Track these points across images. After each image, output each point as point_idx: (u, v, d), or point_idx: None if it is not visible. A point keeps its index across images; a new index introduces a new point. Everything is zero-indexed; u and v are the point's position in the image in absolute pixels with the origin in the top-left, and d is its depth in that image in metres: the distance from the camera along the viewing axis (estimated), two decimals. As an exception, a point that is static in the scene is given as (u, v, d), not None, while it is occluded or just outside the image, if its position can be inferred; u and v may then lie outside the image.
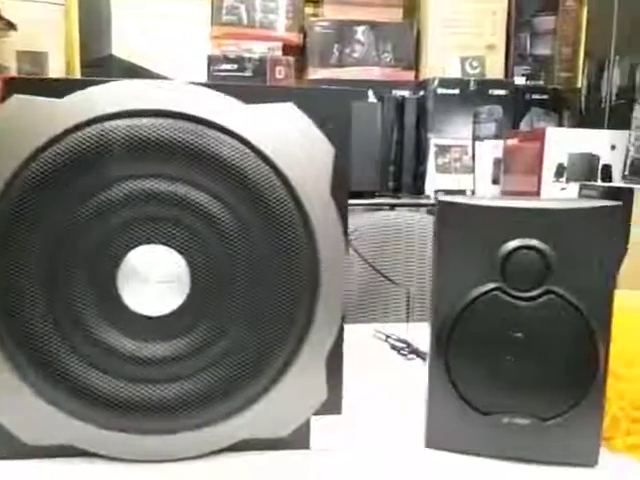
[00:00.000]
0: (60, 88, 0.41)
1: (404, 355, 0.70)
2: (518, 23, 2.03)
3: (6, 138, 0.41)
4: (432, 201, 1.94)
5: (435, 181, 2.00)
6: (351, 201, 1.71)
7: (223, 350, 0.42)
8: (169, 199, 0.41)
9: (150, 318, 0.42)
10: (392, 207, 1.92)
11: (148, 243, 0.42)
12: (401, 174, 2.09)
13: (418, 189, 2.04)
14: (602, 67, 1.80)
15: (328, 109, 0.43)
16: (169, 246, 0.42)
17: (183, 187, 0.41)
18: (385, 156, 2.03)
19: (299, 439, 0.46)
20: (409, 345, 0.70)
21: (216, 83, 0.41)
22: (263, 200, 0.41)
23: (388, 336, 0.74)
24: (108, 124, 0.40)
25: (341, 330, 0.45)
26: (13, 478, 0.42)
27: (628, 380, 0.47)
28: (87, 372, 0.42)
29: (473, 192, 2.03)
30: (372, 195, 1.91)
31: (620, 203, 0.41)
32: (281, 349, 0.43)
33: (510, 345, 0.43)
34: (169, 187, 0.41)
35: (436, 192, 1.99)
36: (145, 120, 0.40)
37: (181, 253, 0.42)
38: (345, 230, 0.44)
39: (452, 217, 0.44)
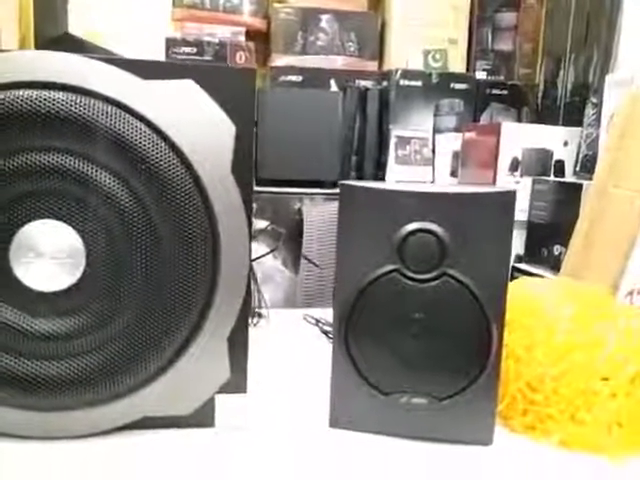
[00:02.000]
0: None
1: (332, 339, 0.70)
2: (480, 18, 2.05)
3: None
4: (391, 192, 1.95)
5: (395, 172, 2.02)
6: (311, 190, 1.72)
7: (116, 330, 0.42)
8: (67, 174, 0.41)
9: (44, 294, 0.41)
10: (352, 197, 1.93)
11: (43, 217, 0.41)
12: (363, 164, 2.10)
13: (380, 180, 2.05)
14: (559, 65, 1.83)
15: (230, 87, 0.43)
16: (64, 222, 0.41)
17: (80, 162, 0.41)
18: (348, 146, 2.04)
19: (203, 417, 0.46)
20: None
21: (112, 57, 0.41)
22: (160, 178, 0.41)
23: (318, 320, 0.75)
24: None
25: (244, 311, 0.45)
26: None
27: (527, 363, 0.49)
28: (-22, 348, 0.41)
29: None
30: (334, 185, 1.92)
31: (514, 189, 0.42)
32: (177, 331, 0.42)
33: (408, 326, 0.44)
34: (65, 161, 0.40)
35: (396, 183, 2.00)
36: (37, 92, 0.39)
37: (77, 230, 0.41)
38: (249, 211, 0.44)
39: (353, 201, 0.44)
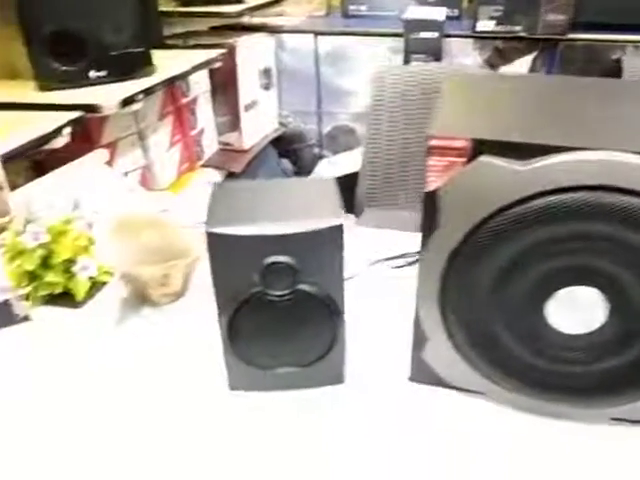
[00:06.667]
0: (524, 152, 0.47)
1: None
2: None
3: (470, 194, 0.50)
4: None
5: None
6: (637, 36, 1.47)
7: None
8: (599, 253, 0.49)
9: (572, 335, 0.54)
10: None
11: (575, 284, 0.51)
12: None
13: None
14: None
15: None
16: (593, 286, 0.51)
17: (610, 245, 0.48)
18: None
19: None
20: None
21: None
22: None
23: None
24: (555, 198, 0.47)
25: None
26: (431, 395, 0.63)
27: None
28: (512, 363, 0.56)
29: None
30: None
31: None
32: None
33: None
34: (599, 245, 0.48)
35: None
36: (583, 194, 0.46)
37: (602, 292, 0.51)
38: None
39: None
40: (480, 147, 0.49)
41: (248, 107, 1.81)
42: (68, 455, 0.56)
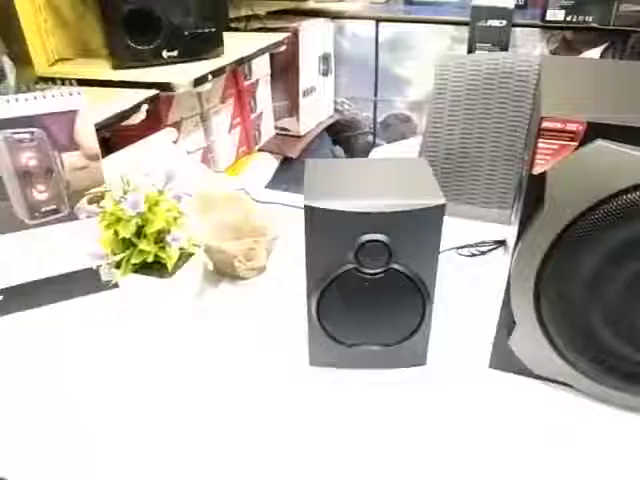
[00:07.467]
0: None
1: None
2: None
3: (581, 179, 0.49)
4: None
5: None
6: None
7: None
8: None
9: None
10: None
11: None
12: None
13: None
14: None
15: None
16: None
17: None
18: None
19: None
20: None
21: None
22: None
23: None
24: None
25: None
26: (513, 383, 0.62)
27: None
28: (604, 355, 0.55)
29: None
30: None
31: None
32: None
33: None
34: None
35: None
36: None
37: None
38: None
39: None
40: (594, 131, 0.48)
41: (306, 93, 1.81)
42: (154, 417, 0.58)
